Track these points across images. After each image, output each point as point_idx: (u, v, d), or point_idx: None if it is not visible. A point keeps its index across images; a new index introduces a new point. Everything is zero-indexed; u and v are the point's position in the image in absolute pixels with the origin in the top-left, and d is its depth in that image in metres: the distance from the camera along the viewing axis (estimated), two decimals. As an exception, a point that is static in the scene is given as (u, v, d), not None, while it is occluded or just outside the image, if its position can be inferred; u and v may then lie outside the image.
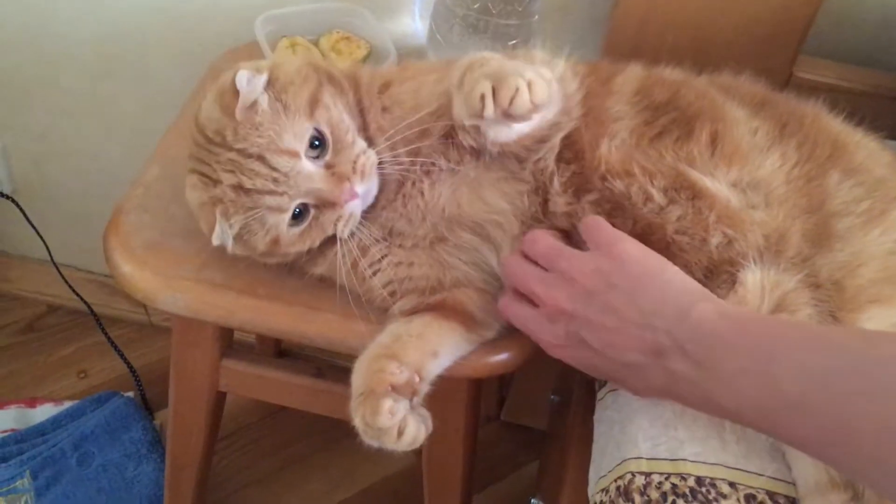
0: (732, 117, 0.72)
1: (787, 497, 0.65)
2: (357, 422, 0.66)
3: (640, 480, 0.67)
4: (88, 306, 1.51)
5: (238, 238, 0.72)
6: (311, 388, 0.94)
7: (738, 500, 0.64)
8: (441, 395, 0.73)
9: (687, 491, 0.65)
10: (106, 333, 1.51)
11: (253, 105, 0.69)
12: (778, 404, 0.53)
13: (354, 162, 0.70)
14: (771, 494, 0.65)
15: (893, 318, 0.64)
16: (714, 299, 0.61)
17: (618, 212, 0.70)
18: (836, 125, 0.75)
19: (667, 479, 0.66)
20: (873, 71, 1.00)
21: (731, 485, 0.65)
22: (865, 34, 1.03)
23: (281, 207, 0.69)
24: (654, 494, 0.66)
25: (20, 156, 1.41)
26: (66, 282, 1.49)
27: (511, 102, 0.60)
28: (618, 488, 0.68)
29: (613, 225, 0.69)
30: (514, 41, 0.96)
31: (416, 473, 1.05)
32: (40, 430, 1.38)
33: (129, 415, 1.38)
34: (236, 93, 0.68)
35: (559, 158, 0.72)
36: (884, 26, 1.02)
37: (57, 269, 1.48)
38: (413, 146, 0.71)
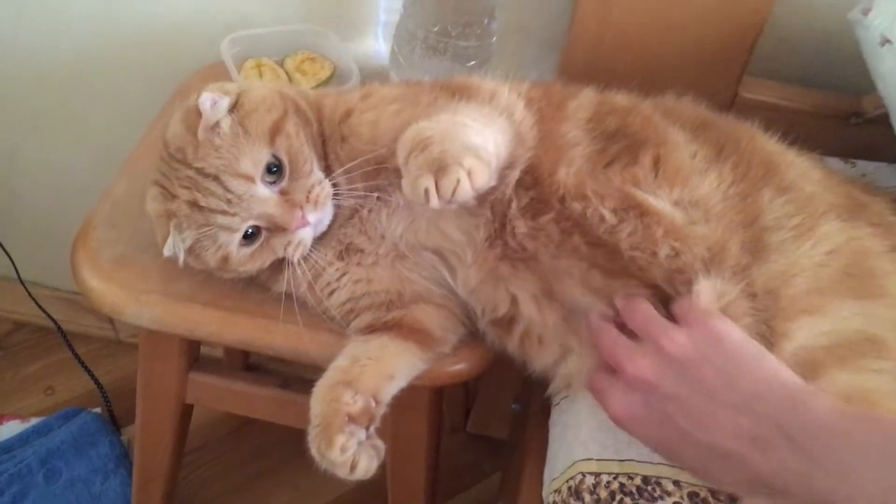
0: (674, 141, 0.76)
1: (728, 496, 0.68)
2: (313, 452, 0.69)
3: (589, 480, 0.70)
4: (56, 323, 1.52)
5: (190, 252, 0.75)
6: (277, 399, 0.96)
7: (682, 497, 0.68)
8: (402, 404, 0.76)
9: (634, 489, 0.68)
10: (73, 350, 1.52)
11: (215, 126, 0.72)
12: None
13: (309, 191, 0.73)
14: (713, 492, 0.68)
15: (822, 327, 0.66)
16: (826, 394, 0.58)
17: (576, 230, 0.73)
18: (770, 146, 0.79)
19: (615, 478, 0.69)
20: (815, 91, 1.04)
21: (676, 483, 0.68)
22: (807, 56, 1.07)
23: (231, 227, 0.72)
24: (604, 493, 0.69)
25: (-14, 172, 1.42)
26: (34, 299, 1.49)
27: (453, 193, 0.62)
28: (569, 488, 0.71)
29: (573, 244, 0.72)
30: (473, 62, 1.00)
31: (383, 484, 1.06)
32: (7, 447, 1.37)
33: (96, 430, 1.38)
34: (200, 113, 0.71)
35: (518, 185, 0.74)
36: (824, 49, 1.06)
37: (24, 286, 1.49)
38: (370, 182, 0.74)
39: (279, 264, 0.77)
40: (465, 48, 0.99)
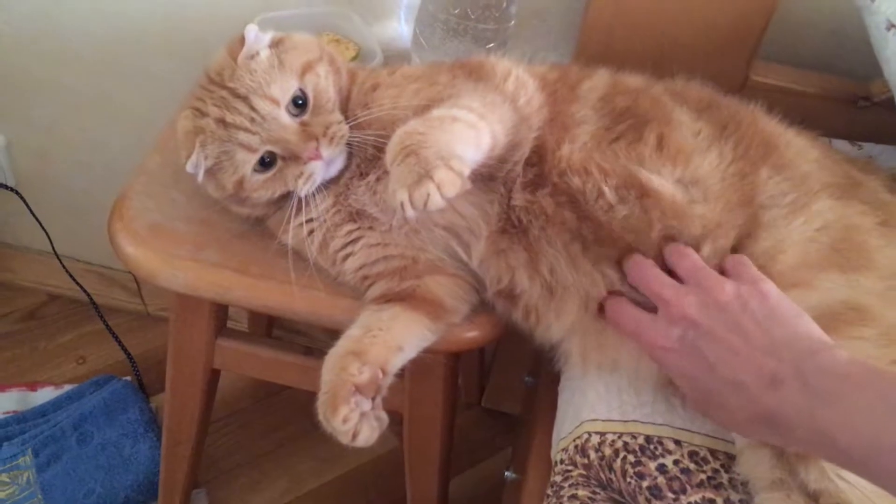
0: (678, 121, 0.79)
1: (725, 453, 0.72)
2: (320, 417, 0.73)
3: (595, 439, 0.74)
4: (88, 295, 1.57)
5: (210, 174, 0.79)
6: (300, 365, 1.00)
7: (683, 455, 0.71)
8: (419, 371, 0.79)
9: (637, 448, 0.72)
10: (105, 321, 1.57)
11: (254, 56, 0.78)
12: None
13: (327, 127, 0.78)
14: (712, 451, 0.72)
15: (811, 300, 0.69)
16: (846, 350, 0.62)
17: (570, 205, 0.76)
18: (770, 126, 0.82)
19: (619, 437, 0.73)
20: (824, 75, 1.06)
21: (677, 442, 0.72)
22: (817, 40, 1.09)
23: (251, 146, 0.77)
24: (608, 451, 0.73)
25: (24, 150, 1.47)
26: (68, 272, 1.55)
27: (425, 205, 0.65)
28: (576, 447, 0.75)
29: (562, 217, 0.75)
30: (492, 44, 1.03)
31: (400, 456, 1.11)
32: (41, 412, 1.43)
33: (126, 397, 1.43)
34: (244, 42, 0.78)
35: (525, 162, 0.78)
36: (834, 33, 1.08)
37: (58, 259, 1.54)
38: (380, 141, 0.77)
39: (287, 210, 0.80)
40: (484, 31, 1.02)
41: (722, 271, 0.71)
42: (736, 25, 1.00)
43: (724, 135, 0.79)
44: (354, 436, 0.70)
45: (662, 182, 0.75)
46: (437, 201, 0.64)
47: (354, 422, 0.70)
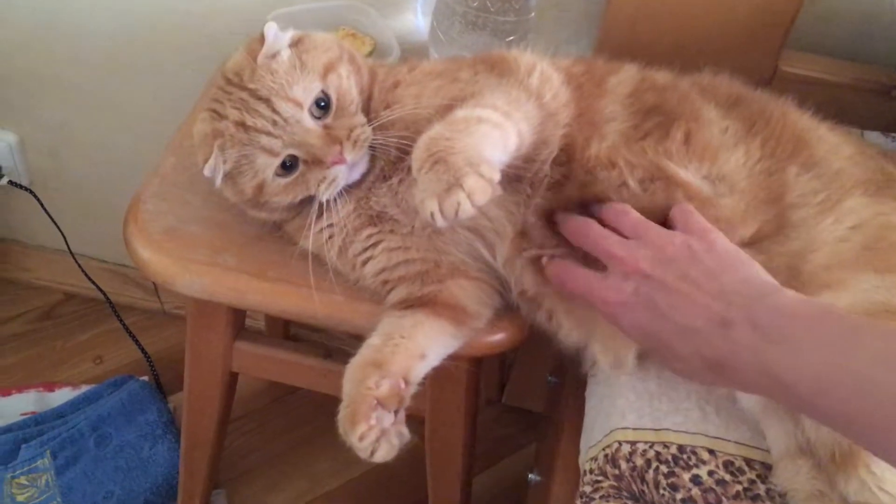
0: (706, 117, 0.77)
1: (762, 463, 0.70)
2: (340, 431, 0.70)
3: (626, 448, 0.72)
4: (104, 294, 1.56)
5: (229, 178, 0.77)
6: (319, 369, 0.99)
7: (717, 465, 0.69)
8: (441, 375, 0.77)
9: (669, 458, 0.70)
10: (121, 320, 1.56)
11: (275, 55, 0.76)
12: (845, 380, 0.54)
13: (351, 130, 0.75)
14: (748, 460, 0.70)
15: (844, 300, 0.67)
16: (795, 292, 0.62)
17: (587, 190, 0.75)
18: (801, 121, 0.79)
19: (651, 447, 0.71)
20: (856, 64, 1.03)
21: (711, 452, 0.70)
22: (848, 29, 1.06)
23: (273, 150, 0.74)
24: (640, 461, 0.71)
25: (37, 148, 1.46)
26: (83, 270, 1.54)
27: (456, 214, 0.63)
28: (606, 456, 0.73)
29: (582, 200, 0.74)
30: (512, 37, 1.00)
31: (420, 454, 1.09)
32: (59, 413, 1.42)
33: (144, 397, 1.42)
34: (263, 40, 0.75)
35: (553, 161, 0.76)
36: (866, 21, 1.05)
37: (73, 258, 1.53)
38: (404, 143, 0.75)
39: (308, 216, 0.78)
40: (503, 23, 1.00)
41: (666, 224, 0.71)
42: (764, 14, 0.97)
43: (752, 132, 0.77)
44: (373, 452, 0.68)
45: (689, 175, 0.74)
46: (467, 210, 0.62)
47: (372, 439, 0.68)
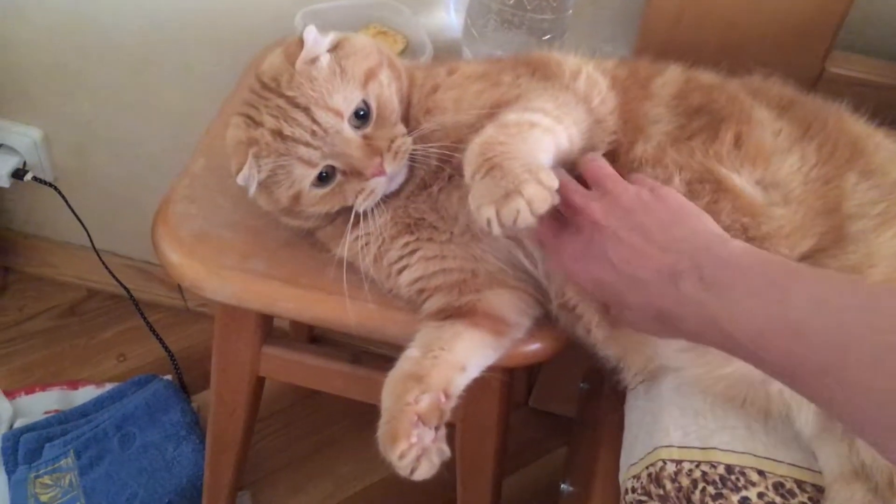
0: (758, 119, 0.74)
1: (813, 485, 0.67)
2: (380, 447, 0.68)
3: (671, 468, 0.69)
4: (128, 291, 1.55)
5: (263, 187, 0.75)
6: (346, 374, 0.97)
7: (767, 487, 0.66)
8: (475, 384, 0.75)
9: (717, 478, 0.67)
10: (144, 318, 1.55)
11: (314, 60, 0.73)
12: (781, 328, 0.54)
13: (392, 141, 0.73)
14: (799, 482, 0.67)
15: None
16: (745, 243, 0.62)
17: None
18: (857, 127, 0.76)
19: (697, 466, 0.68)
20: (905, 66, 1.00)
21: (760, 473, 0.67)
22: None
23: (311, 161, 0.72)
24: (685, 481, 0.68)
25: (62, 144, 1.45)
26: (107, 267, 1.53)
27: (514, 222, 0.60)
28: (649, 475, 0.70)
29: None
30: (548, 36, 0.98)
31: (447, 459, 1.07)
32: (83, 411, 1.42)
33: (168, 397, 1.41)
34: (301, 45, 0.72)
35: None
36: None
37: (97, 254, 1.52)
38: (444, 161, 0.73)
39: (342, 224, 0.76)
40: (540, 21, 0.97)
41: (583, 182, 0.70)
42: (812, 14, 0.93)
43: (807, 135, 0.74)
44: (413, 471, 0.66)
45: (741, 181, 0.71)
46: (527, 218, 0.60)
47: (413, 457, 0.66)
